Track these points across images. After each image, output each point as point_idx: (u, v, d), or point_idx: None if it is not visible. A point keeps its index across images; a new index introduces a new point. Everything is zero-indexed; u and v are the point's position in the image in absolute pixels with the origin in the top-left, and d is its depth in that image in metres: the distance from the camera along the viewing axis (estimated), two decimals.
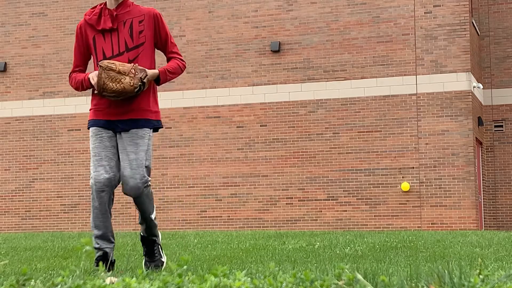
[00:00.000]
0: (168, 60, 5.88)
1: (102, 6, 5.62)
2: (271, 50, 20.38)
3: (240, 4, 20.79)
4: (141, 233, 5.89)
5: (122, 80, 5.37)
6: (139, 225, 6.27)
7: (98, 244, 5.48)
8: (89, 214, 21.00)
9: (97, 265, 5.41)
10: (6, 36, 22.40)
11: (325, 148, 19.78)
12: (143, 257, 5.95)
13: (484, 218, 20.97)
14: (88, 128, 5.65)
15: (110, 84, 5.37)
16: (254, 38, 20.60)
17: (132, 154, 5.52)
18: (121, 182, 5.58)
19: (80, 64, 5.75)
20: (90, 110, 5.66)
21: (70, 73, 5.78)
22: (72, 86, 5.77)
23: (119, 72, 5.38)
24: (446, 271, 3.33)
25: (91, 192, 5.48)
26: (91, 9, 5.66)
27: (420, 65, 19.41)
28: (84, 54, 5.72)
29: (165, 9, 21.27)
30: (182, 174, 20.67)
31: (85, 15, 5.66)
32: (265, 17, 20.60)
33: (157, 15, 5.65)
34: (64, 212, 21.12)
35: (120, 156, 5.54)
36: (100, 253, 5.48)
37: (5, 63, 22.24)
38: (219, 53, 20.80)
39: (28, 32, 22.22)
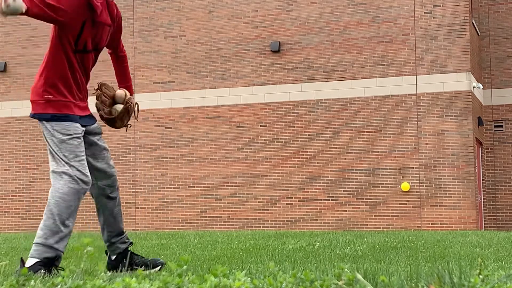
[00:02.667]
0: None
1: None
2: (271, 50, 20.38)
3: (240, 4, 20.79)
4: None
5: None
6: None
7: (61, 250, 4.79)
8: (90, 214, 20.99)
9: (50, 271, 4.71)
10: (6, 36, 22.40)
11: (325, 148, 19.78)
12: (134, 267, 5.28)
13: (484, 218, 20.97)
14: (56, 121, 4.89)
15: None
16: (254, 38, 20.60)
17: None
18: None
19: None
20: (63, 101, 4.92)
21: None
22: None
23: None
24: (446, 271, 3.34)
25: (67, 190, 4.83)
26: None
27: (420, 65, 19.41)
28: (70, 9, 4.82)
29: (165, 9, 21.27)
30: (182, 174, 20.67)
31: None
32: (265, 17, 20.60)
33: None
34: None
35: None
36: (55, 255, 4.78)
37: (5, 63, 22.24)
38: (219, 53, 20.80)
39: (28, 32, 22.22)
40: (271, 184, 20.04)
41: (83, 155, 4.92)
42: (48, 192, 21.28)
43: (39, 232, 4.80)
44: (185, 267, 3.50)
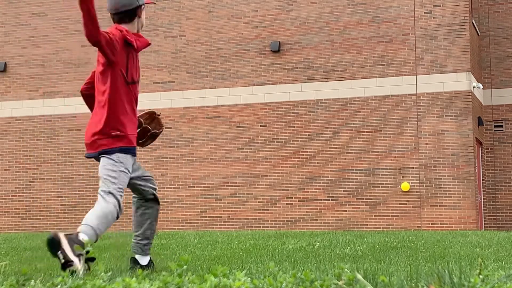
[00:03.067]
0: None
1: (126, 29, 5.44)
2: (271, 50, 20.38)
3: (240, 4, 20.78)
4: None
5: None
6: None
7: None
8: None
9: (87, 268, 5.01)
10: (6, 36, 22.40)
11: (325, 148, 19.78)
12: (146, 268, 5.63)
13: (484, 218, 20.96)
14: (124, 153, 5.33)
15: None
16: (254, 38, 20.59)
17: None
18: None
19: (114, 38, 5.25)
20: (129, 135, 5.35)
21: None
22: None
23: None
24: (446, 271, 3.33)
25: (112, 209, 5.20)
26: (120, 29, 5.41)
27: (420, 65, 19.41)
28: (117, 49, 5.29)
29: (165, 9, 21.27)
30: (182, 174, 20.67)
31: (121, 31, 5.35)
32: (265, 17, 20.60)
33: None
34: (64, 212, 21.13)
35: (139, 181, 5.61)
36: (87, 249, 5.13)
37: (5, 63, 22.24)
38: (219, 53, 20.79)
39: (28, 32, 22.22)
40: (271, 184, 20.03)
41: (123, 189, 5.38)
42: (47, 192, 21.33)
43: (92, 218, 5.09)
44: (185, 267, 3.50)
